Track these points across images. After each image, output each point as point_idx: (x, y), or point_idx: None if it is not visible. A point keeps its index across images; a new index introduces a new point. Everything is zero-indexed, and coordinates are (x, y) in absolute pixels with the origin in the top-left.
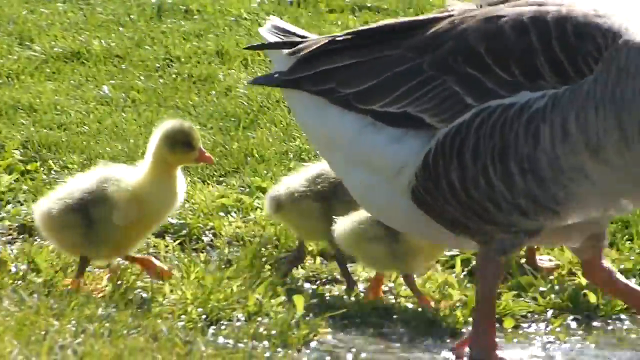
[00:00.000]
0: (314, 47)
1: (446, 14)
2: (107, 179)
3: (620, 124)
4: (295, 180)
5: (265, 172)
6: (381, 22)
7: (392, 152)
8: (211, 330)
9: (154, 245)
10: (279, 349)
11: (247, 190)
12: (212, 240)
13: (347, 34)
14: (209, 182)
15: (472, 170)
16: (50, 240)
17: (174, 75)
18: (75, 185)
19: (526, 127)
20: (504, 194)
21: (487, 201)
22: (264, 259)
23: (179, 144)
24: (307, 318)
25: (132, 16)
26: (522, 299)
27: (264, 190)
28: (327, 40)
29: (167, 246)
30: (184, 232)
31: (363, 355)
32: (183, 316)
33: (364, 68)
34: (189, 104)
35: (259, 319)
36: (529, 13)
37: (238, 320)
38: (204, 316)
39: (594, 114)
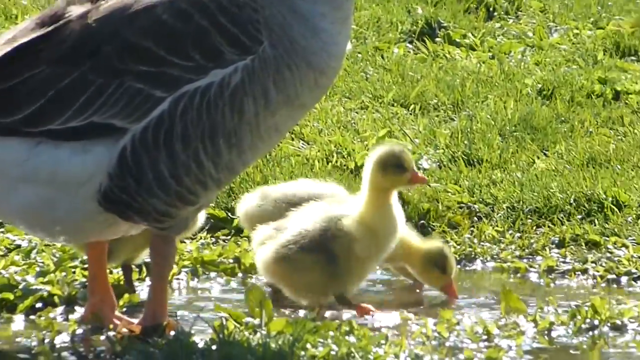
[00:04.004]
0: None
1: (63, 19)
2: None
3: (314, 66)
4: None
5: None
6: None
7: (78, 163)
8: None
9: None
10: None
11: None
12: None
13: None
14: None
15: (183, 156)
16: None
17: None
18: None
19: (231, 103)
20: (211, 172)
21: (197, 184)
22: None
23: (391, 167)
24: None
25: None
26: None
27: None
28: None
29: None
30: None
31: None
32: None
33: (19, 92)
34: None
35: None
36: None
37: None
38: None
39: (289, 72)
